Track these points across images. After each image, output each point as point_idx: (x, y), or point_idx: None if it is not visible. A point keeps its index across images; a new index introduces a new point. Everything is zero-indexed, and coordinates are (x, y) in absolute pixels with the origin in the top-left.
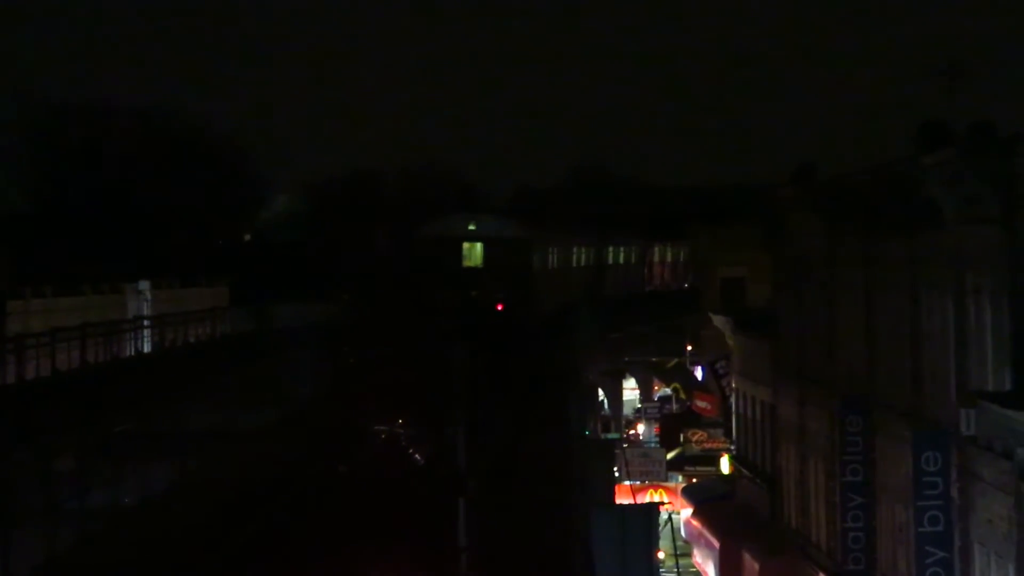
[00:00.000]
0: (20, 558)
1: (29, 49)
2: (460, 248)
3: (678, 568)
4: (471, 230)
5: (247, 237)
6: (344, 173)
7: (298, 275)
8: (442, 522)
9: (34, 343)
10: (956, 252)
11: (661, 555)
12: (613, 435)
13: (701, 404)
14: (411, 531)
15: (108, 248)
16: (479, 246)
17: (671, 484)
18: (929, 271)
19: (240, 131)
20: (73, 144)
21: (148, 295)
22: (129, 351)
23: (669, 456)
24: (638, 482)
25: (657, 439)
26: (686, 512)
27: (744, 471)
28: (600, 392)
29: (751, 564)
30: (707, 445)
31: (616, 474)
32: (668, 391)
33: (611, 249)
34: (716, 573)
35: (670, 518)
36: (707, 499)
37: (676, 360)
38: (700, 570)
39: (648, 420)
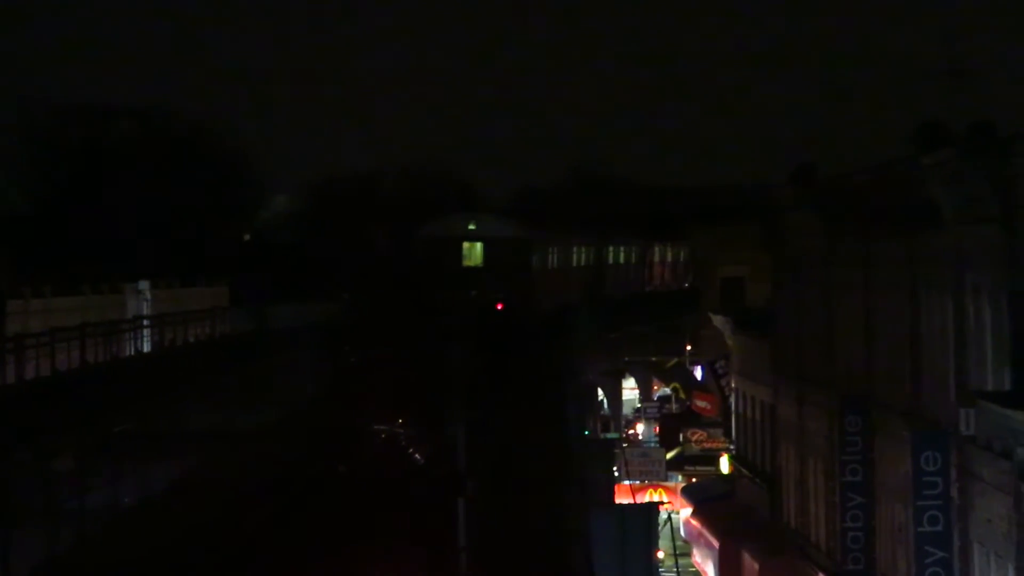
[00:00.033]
0: (20, 558)
1: (29, 50)
2: (460, 248)
3: (677, 568)
4: (471, 230)
5: (247, 237)
6: (344, 173)
7: (298, 275)
8: (441, 522)
9: (34, 343)
10: (956, 252)
11: (660, 555)
12: (613, 435)
13: (701, 404)
14: (410, 531)
15: (108, 248)
16: (479, 246)
17: (671, 484)
18: (929, 271)
19: (240, 131)
20: (73, 145)
21: (148, 295)
22: (129, 351)
23: (669, 456)
24: (638, 482)
25: (657, 439)
26: (686, 512)
27: (743, 471)
28: (600, 392)
29: (750, 564)
30: (706, 445)
31: (616, 474)
32: (668, 391)
33: (611, 249)
34: (715, 573)
35: (670, 518)
36: (707, 499)
37: (676, 360)
38: (700, 570)
39: (648, 420)
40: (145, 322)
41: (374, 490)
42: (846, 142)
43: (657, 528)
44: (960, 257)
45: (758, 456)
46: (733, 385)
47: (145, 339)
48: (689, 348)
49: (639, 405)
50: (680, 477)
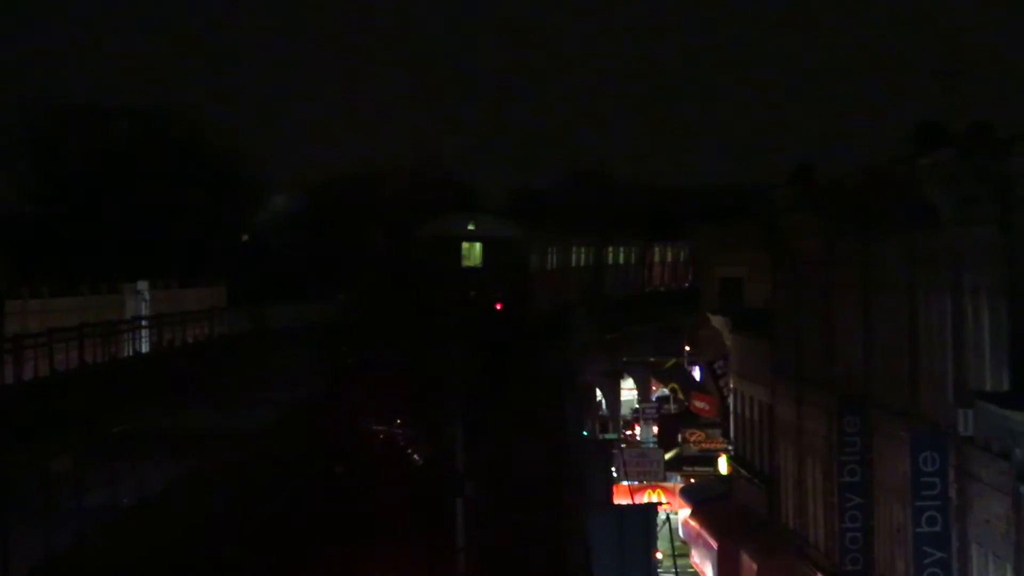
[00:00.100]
0: (18, 558)
1: (29, 50)
2: (459, 248)
3: (676, 568)
4: (470, 230)
5: (245, 237)
6: (344, 173)
7: (297, 275)
8: (440, 522)
9: (32, 343)
10: (954, 252)
11: (659, 556)
12: (611, 435)
13: (699, 404)
14: (409, 531)
15: (107, 248)
16: (478, 246)
17: (669, 484)
18: (927, 271)
19: (239, 131)
20: (73, 145)
21: (146, 295)
22: (127, 351)
23: (667, 456)
24: (636, 482)
25: (655, 439)
26: (684, 512)
27: (742, 471)
28: (598, 392)
29: (749, 564)
30: (705, 445)
31: (614, 474)
32: (666, 391)
33: (610, 249)
34: (714, 573)
35: (668, 518)
36: (705, 499)
37: (674, 360)
38: (698, 570)
39: (646, 420)
40: (143, 322)
41: (372, 491)
42: (845, 142)
43: (656, 529)
44: (958, 257)
45: (756, 457)
46: (731, 385)
47: (143, 339)
48: (688, 348)
49: (637, 406)
50: (678, 478)
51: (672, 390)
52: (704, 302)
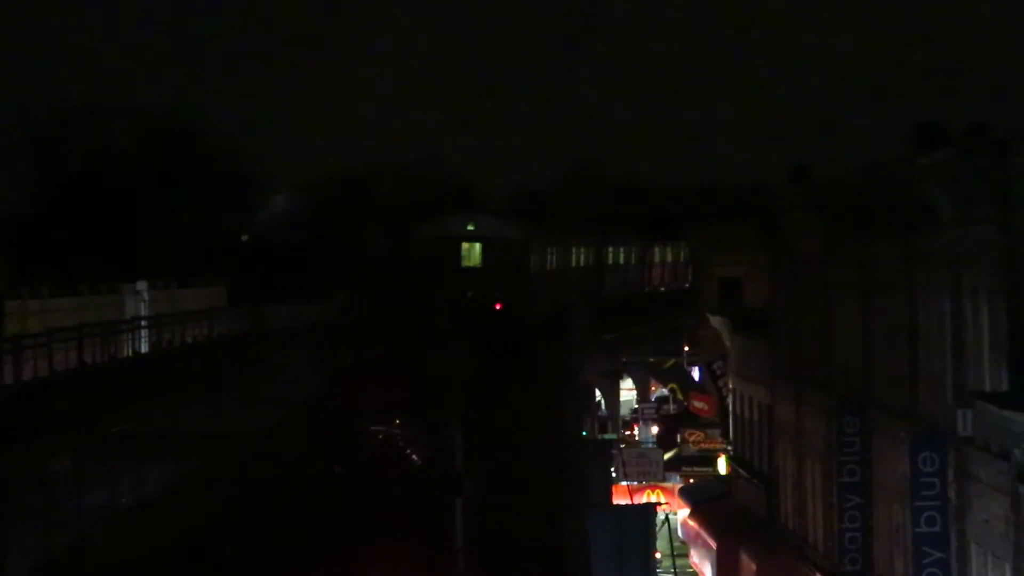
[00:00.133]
0: (18, 558)
1: (29, 50)
2: (459, 248)
3: (675, 568)
4: (469, 230)
5: (245, 237)
6: (343, 173)
7: (296, 275)
8: (439, 522)
9: (31, 343)
10: (953, 252)
11: (658, 555)
12: (610, 436)
13: (698, 404)
14: (408, 531)
15: (107, 248)
16: (477, 246)
17: (668, 485)
18: (926, 271)
19: (239, 131)
20: (72, 144)
21: (145, 295)
22: (126, 351)
23: (666, 457)
24: (635, 483)
25: (654, 440)
26: (683, 512)
27: (741, 471)
28: (597, 392)
29: (748, 564)
30: (704, 446)
31: (613, 474)
32: (665, 392)
33: (610, 249)
34: (713, 573)
35: (667, 519)
36: (704, 499)
37: (673, 360)
38: (697, 570)
39: (645, 421)
40: (143, 323)
41: (371, 491)
42: (843, 142)
43: (655, 529)
44: (957, 258)
45: (756, 457)
46: (731, 386)
47: (143, 340)
48: (687, 349)
49: (637, 406)
50: (678, 478)
51: (671, 390)
52: (703, 302)
